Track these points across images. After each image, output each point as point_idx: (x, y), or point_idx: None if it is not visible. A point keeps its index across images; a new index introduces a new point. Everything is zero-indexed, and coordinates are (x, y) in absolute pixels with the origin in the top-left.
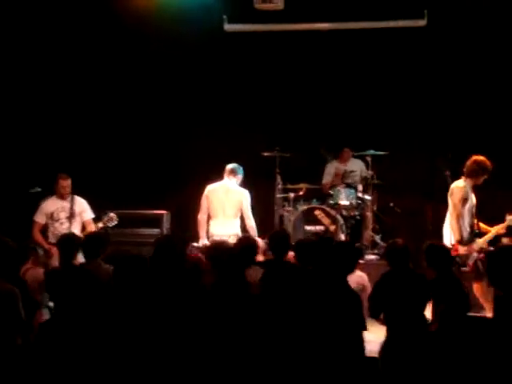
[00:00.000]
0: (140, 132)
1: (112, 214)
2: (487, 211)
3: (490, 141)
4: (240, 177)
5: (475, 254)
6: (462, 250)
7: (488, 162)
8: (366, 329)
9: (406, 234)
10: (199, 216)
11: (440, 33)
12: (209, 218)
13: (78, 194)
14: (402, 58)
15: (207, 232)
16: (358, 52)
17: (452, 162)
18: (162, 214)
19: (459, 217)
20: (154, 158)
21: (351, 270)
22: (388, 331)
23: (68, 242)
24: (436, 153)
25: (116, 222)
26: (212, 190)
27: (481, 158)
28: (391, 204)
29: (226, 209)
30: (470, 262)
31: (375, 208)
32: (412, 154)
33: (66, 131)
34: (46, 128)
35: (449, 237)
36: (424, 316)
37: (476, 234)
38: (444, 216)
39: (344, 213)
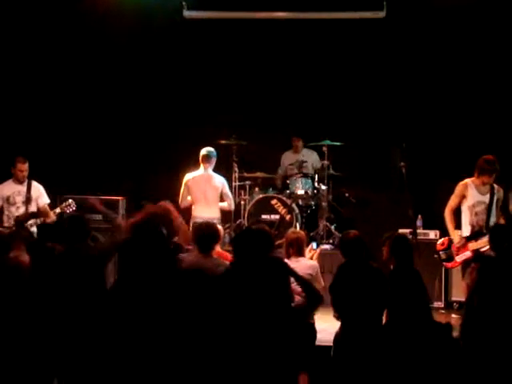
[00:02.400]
0: (97, 118)
1: (70, 201)
2: None
3: (446, 133)
4: (215, 159)
5: (468, 253)
6: (445, 244)
7: (488, 163)
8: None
9: (361, 224)
10: (181, 205)
11: (399, 24)
12: (191, 203)
13: (35, 179)
14: (361, 49)
15: (190, 215)
16: (316, 42)
17: (406, 152)
18: (118, 200)
19: (449, 210)
20: (111, 144)
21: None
22: (343, 322)
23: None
24: (391, 144)
25: (74, 208)
26: (192, 178)
27: (486, 157)
28: (346, 194)
29: (207, 195)
30: (459, 259)
31: (330, 198)
32: (367, 144)
33: (24, 116)
34: (2, 112)
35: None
36: (379, 308)
37: (478, 233)
38: (399, 206)
39: (300, 202)
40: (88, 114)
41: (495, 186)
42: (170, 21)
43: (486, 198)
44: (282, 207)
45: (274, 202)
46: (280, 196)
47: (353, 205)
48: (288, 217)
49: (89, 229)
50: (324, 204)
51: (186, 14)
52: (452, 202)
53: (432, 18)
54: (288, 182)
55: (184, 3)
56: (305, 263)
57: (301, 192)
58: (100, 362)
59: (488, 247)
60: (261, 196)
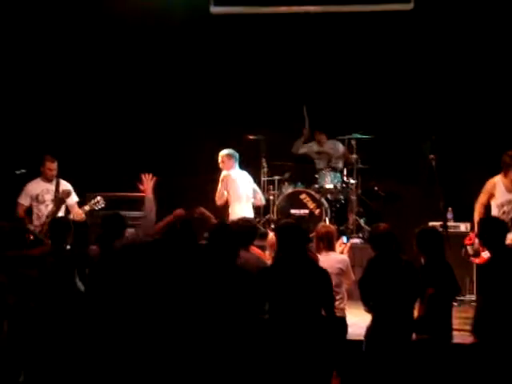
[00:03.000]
0: (124, 115)
1: (99, 198)
2: None
3: (476, 124)
4: None
5: None
6: (472, 239)
7: (506, 156)
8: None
9: (390, 217)
10: (218, 202)
11: (427, 16)
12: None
13: (63, 177)
14: (389, 41)
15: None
16: (345, 35)
17: (436, 145)
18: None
19: (479, 206)
20: (139, 142)
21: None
22: (374, 315)
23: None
24: (420, 136)
25: (103, 205)
26: (233, 176)
27: (509, 152)
28: (375, 188)
29: (248, 193)
30: (485, 255)
31: (360, 192)
32: (396, 137)
33: (52, 114)
34: (32, 110)
35: None
36: (411, 302)
37: None
38: (429, 199)
39: (329, 196)
40: (115, 111)
41: None
42: (197, 16)
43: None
44: (311, 202)
45: (303, 196)
46: (309, 190)
47: (382, 198)
48: (317, 211)
49: (125, 225)
50: (353, 198)
51: (213, 9)
52: (480, 199)
53: (461, 9)
54: (317, 176)
55: None
56: (335, 257)
57: (330, 186)
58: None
59: None
60: (290, 191)
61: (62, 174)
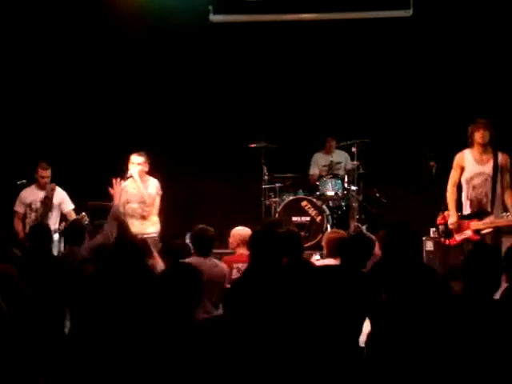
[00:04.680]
0: (123, 124)
1: (83, 213)
2: None
3: None
4: None
5: (469, 232)
6: (446, 218)
7: (474, 124)
8: None
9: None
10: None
11: (425, 22)
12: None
13: (61, 185)
14: (388, 47)
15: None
16: (343, 42)
17: (436, 150)
18: None
19: (451, 184)
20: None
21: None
22: (372, 322)
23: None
24: (421, 142)
25: (87, 221)
26: None
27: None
28: (377, 194)
29: None
30: (458, 238)
31: (361, 198)
32: (397, 143)
33: (53, 123)
34: (32, 120)
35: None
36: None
37: (481, 212)
38: (428, 205)
39: (330, 203)
40: (114, 120)
41: (499, 153)
42: (196, 25)
43: (487, 168)
44: (312, 209)
45: (304, 203)
46: (310, 198)
47: (383, 204)
48: (318, 218)
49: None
50: (354, 204)
51: (212, 17)
52: (452, 177)
53: (460, 15)
54: (318, 183)
55: (210, 7)
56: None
57: (331, 193)
58: None
59: (491, 229)
60: (291, 198)
61: (61, 183)
